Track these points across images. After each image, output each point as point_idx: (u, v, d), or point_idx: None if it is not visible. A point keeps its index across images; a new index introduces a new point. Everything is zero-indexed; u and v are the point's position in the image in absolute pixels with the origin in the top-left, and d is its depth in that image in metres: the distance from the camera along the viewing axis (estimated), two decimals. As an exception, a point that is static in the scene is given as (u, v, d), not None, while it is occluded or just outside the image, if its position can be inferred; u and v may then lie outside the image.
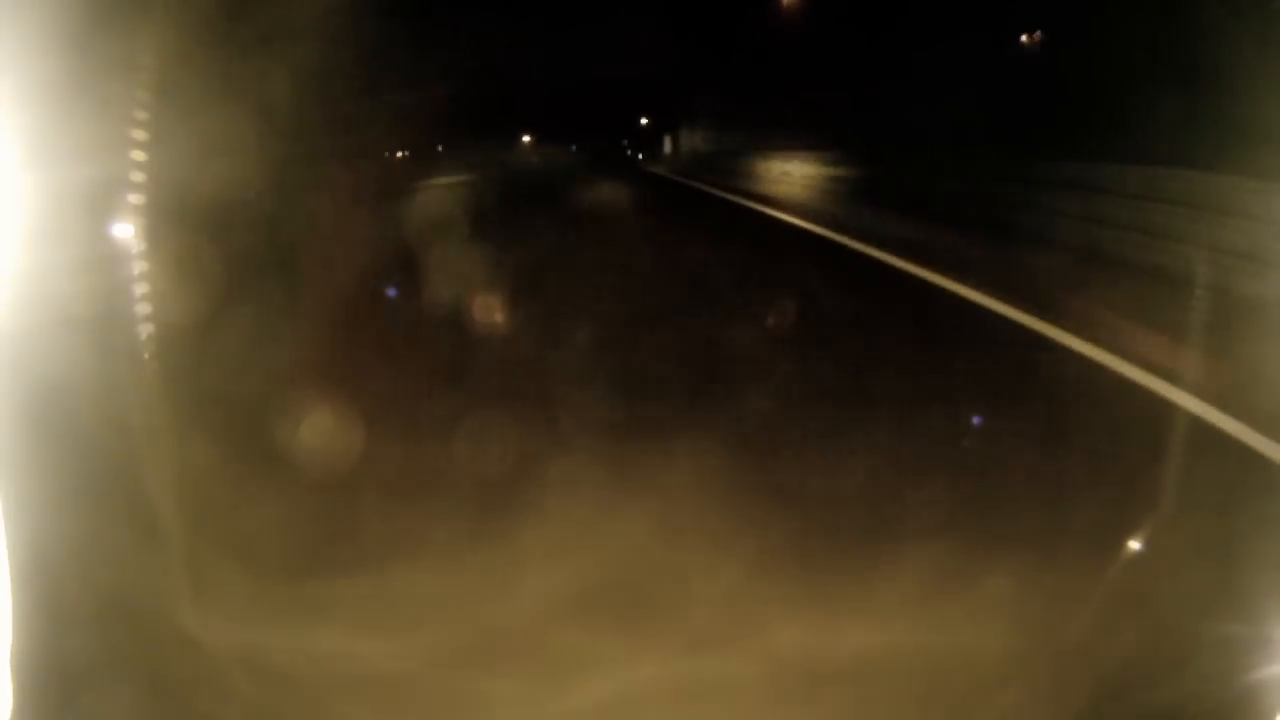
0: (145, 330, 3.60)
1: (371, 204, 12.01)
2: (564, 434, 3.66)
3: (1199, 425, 3.50)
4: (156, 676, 2.05)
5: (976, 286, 6.12)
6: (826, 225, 10.23)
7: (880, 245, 8.26)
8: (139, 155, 3.96)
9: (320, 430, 3.53)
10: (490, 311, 6.08)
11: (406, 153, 23.89)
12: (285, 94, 8.78)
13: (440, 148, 28.48)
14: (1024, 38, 12.14)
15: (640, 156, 43.27)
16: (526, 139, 40.98)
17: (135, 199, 4.00)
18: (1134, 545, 2.61)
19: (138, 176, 3.98)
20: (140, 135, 3.94)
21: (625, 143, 44.77)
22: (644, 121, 43.53)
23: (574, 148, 39.90)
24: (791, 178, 16.21)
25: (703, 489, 3.08)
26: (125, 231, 4.00)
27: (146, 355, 3.53)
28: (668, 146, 37.34)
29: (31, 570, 1.67)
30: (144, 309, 3.68)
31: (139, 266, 3.90)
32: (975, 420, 3.89)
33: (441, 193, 17.15)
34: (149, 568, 2.40)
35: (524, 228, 11.78)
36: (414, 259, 7.62)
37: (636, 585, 2.52)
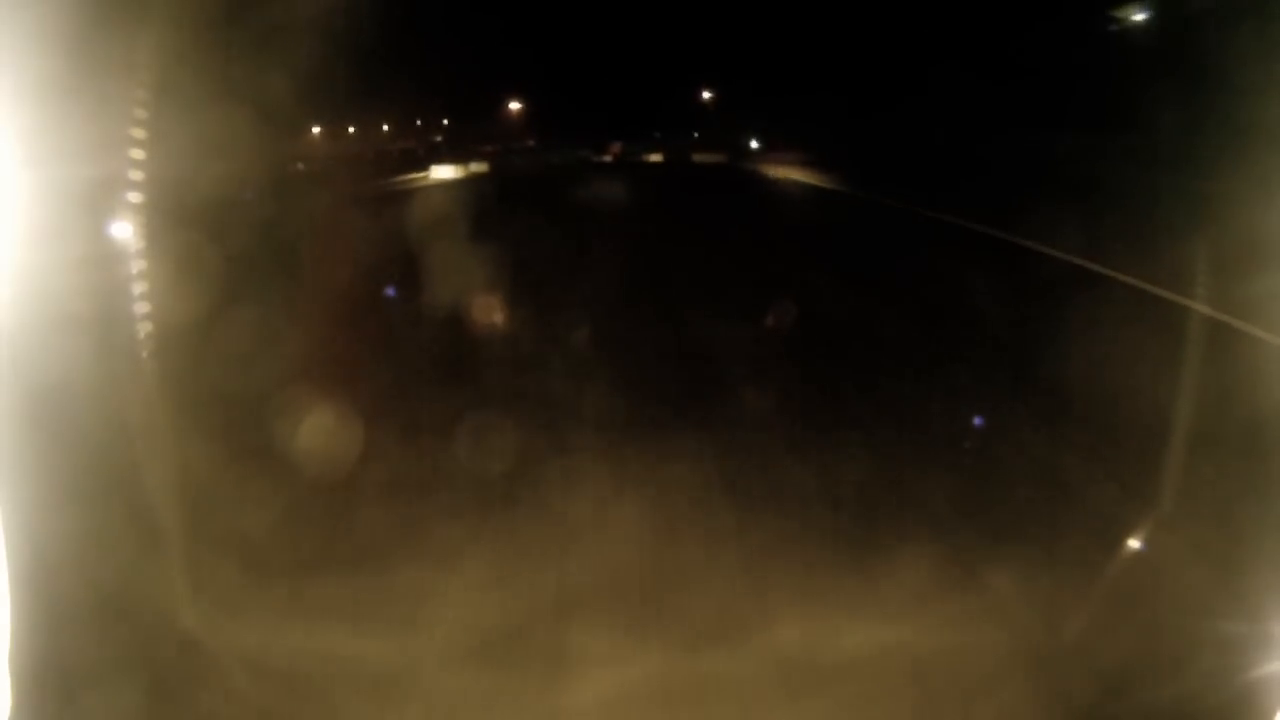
0: (143, 328, 3.59)
1: (368, 204, 12.00)
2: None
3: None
4: (156, 676, 2.04)
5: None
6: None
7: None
8: (138, 154, 3.95)
9: (316, 428, 3.52)
10: (488, 312, 6.07)
11: (406, 150, 23.86)
12: (283, 94, 8.78)
13: (438, 144, 27.60)
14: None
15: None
16: (522, 129, 30.87)
17: (134, 198, 3.99)
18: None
19: (137, 175, 3.98)
20: (139, 134, 3.94)
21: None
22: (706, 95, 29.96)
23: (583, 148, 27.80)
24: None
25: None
26: (124, 230, 3.99)
27: (145, 353, 3.53)
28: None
29: (31, 570, 1.67)
30: (142, 307, 3.67)
31: (137, 265, 3.90)
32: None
33: (440, 194, 17.11)
34: (148, 567, 2.40)
35: (515, 204, 11.18)
36: (411, 261, 7.57)
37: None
